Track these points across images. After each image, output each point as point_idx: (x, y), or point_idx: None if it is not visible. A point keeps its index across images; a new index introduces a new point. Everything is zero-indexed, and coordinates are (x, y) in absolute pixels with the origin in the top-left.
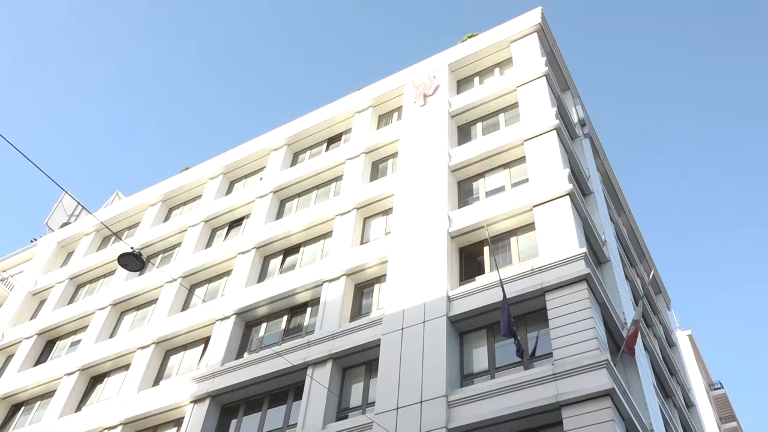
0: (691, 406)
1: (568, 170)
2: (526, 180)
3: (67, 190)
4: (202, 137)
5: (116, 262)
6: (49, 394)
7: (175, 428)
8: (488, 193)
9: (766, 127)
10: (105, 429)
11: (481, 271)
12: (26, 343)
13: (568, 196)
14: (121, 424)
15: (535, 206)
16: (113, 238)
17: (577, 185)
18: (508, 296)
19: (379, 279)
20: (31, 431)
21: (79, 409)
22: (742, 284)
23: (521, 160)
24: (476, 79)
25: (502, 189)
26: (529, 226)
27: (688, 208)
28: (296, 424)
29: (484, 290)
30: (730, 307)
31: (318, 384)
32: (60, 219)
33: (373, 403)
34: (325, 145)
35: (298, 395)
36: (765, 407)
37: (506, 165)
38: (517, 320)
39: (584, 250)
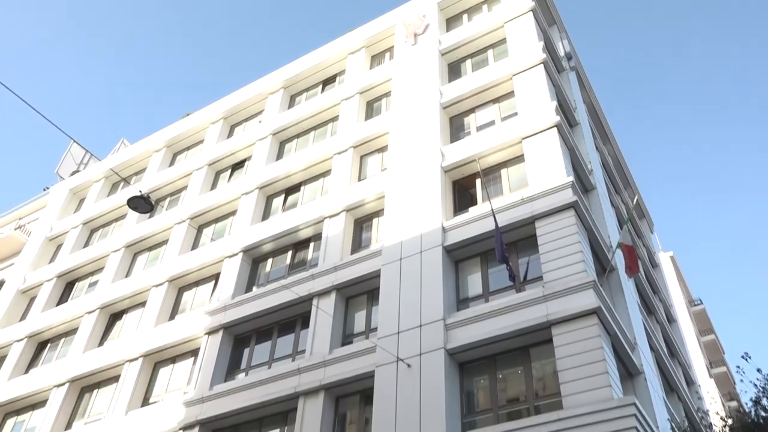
0: (673, 321)
1: (555, 103)
2: (515, 114)
3: (75, 138)
4: (202, 83)
5: (126, 206)
6: (72, 332)
7: (192, 358)
8: (479, 128)
9: (746, 46)
10: (127, 361)
11: (473, 203)
12: (47, 286)
13: (555, 128)
14: (141, 356)
15: (524, 138)
16: (122, 183)
17: (564, 117)
18: (500, 225)
19: (377, 213)
20: (58, 366)
21: (101, 344)
22: (719, 206)
23: (510, 94)
24: (465, 17)
25: (492, 123)
26: (519, 158)
27: (671, 137)
28: (304, 350)
29: (477, 220)
30: (709, 229)
31: (323, 313)
32: (70, 168)
33: (375, 329)
34: (321, 86)
35: (305, 324)
36: (740, 319)
37: (496, 100)
38: (509, 247)
39: (571, 178)
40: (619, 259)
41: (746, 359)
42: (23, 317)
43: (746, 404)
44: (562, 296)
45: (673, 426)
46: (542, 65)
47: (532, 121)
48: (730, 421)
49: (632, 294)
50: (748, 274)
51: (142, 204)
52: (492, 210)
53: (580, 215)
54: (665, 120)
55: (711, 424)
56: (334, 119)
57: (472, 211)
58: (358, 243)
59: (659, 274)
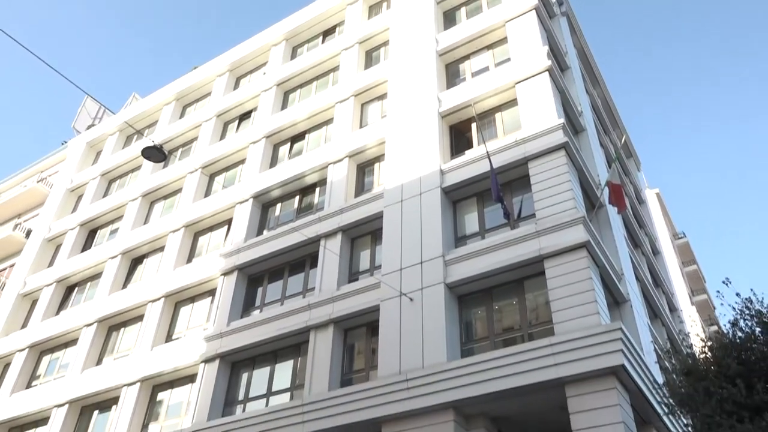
0: (657, 254)
1: (546, 48)
2: (508, 59)
3: (90, 93)
4: (208, 35)
5: (141, 157)
6: (97, 276)
7: (210, 297)
8: (474, 74)
9: None
10: (149, 301)
11: (469, 146)
12: (71, 234)
13: (546, 72)
14: (163, 296)
15: (517, 83)
16: (136, 136)
17: (555, 61)
18: (494, 166)
19: (379, 158)
20: (86, 307)
21: (125, 286)
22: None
23: (503, 41)
24: None
25: (486, 69)
26: (512, 102)
27: (659, 76)
28: (314, 288)
29: (473, 162)
30: (694, 166)
31: (330, 253)
32: (85, 122)
33: (379, 266)
34: (321, 37)
35: (314, 264)
36: (720, 250)
37: (490, 46)
38: (504, 187)
39: (562, 120)
40: (607, 197)
41: (726, 284)
42: (51, 264)
43: (724, 326)
44: (553, 232)
45: (656, 348)
46: (534, 11)
47: (525, 66)
48: (709, 343)
49: (619, 229)
50: (729, 207)
51: (156, 154)
52: (487, 152)
53: (570, 155)
54: (654, 62)
55: (691, 344)
56: (335, 69)
57: (468, 154)
58: (361, 187)
59: (645, 209)
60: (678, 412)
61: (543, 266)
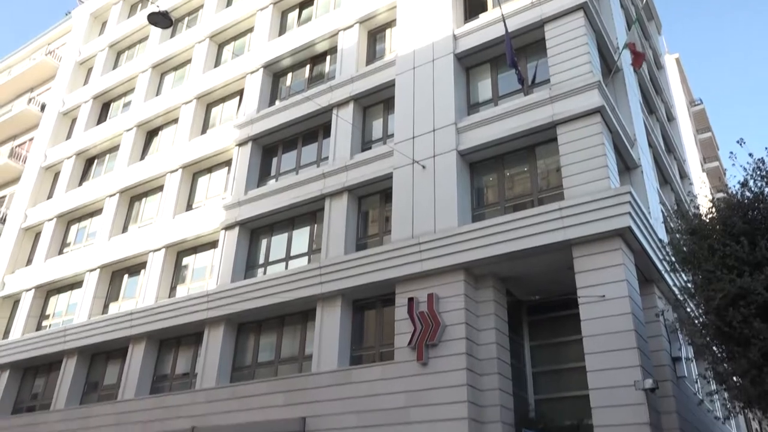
0: (672, 120)
1: None
2: None
3: None
4: None
5: (148, 26)
6: (114, 149)
7: (226, 168)
8: None
9: None
10: (168, 172)
11: (484, 9)
12: (85, 107)
13: None
14: (180, 167)
15: None
16: (140, 4)
17: None
18: (509, 30)
19: (390, 24)
20: (107, 179)
21: (143, 158)
22: (726, 7)
23: None
24: None
25: None
26: None
27: None
28: (328, 157)
29: (487, 26)
30: (716, 31)
31: (343, 122)
32: None
33: (392, 135)
34: None
35: (327, 133)
36: (736, 119)
37: None
38: (518, 52)
39: None
40: (625, 60)
41: (741, 144)
42: (68, 137)
43: (733, 187)
44: (567, 97)
45: (663, 210)
46: None
47: None
48: (717, 202)
49: (635, 94)
50: (750, 75)
51: (162, 20)
52: (502, 15)
53: (588, 17)
54: None
55: (699, 206)
56: None
57: (483, 18)
58: (372, 54)
59: (663, 75)
60: (680, 269)
61: (555, 132)
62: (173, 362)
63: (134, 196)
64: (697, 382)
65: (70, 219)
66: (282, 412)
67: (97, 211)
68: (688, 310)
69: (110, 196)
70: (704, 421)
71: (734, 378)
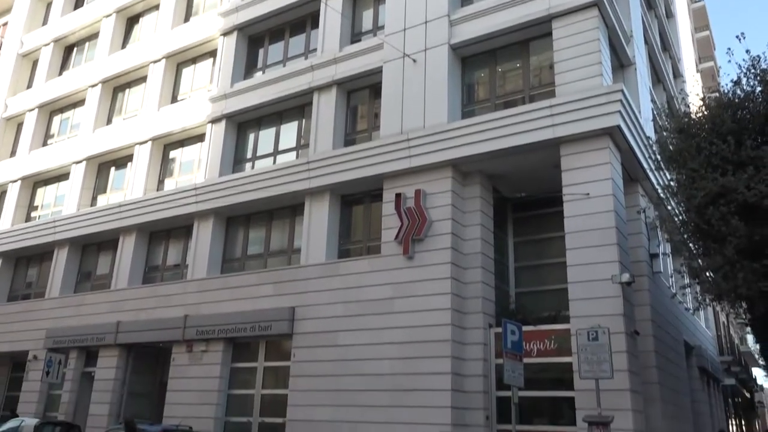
0: (671, 17)
1: None
2: None
3: None
4: None
5: None
6: (94, 36)
7: (211, 59)
8: None
9: None
10: (151, 62)
11: None
12: None
13: None
14: (164, 57)
15: None
16: None
17: None
18: None
19: None
20: (88, 68)
21: (124, 47)
22: None
23: None
24: None
25: None
26: None
27: None
28: (316, 49)
29: None
30: None
31: (332, 11)
32: None
33: (382, 27)
34: None
35: (315, 24)
36: (736, 18)
37: None
38: None
39: None
40: None
41: (740, 39)
42: (45, 22)
43: (726, 86)
44: None
45: (653, 109)
46: None
47: None
48: (708, 101)
49: None
50: None
51: None
52: None
53: None
54: None
55: (689, 104)
56: None
57: None
58: None
59: None
60: (665, 168)
61: (551, 27)
62: (164, 254)
63: (117, 87)
64: (672, 277)
65: (52, 110)
66: (271, 302)
67: (80, 102)
68: (669, 208)
69: (92, 86)
70: (675, 314)
71: (707, 273)
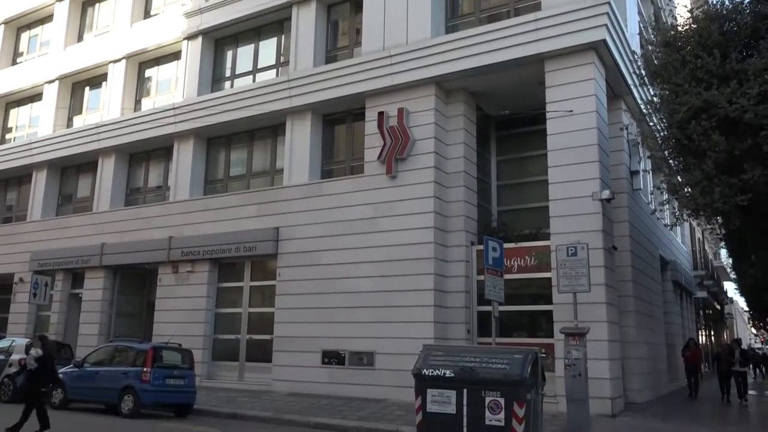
0: None
1: None
2: None
3: None
4: None
5: None
6: None
7: None
8: None
9: None
10: None
11: None
12: None
13: None
14: None
15: None
16: None
17: None
18: None
19: None
20: None
21: None
22: None
23: None
24: None
25: None
26: None
27: None
28: None
29: None
30: None
31: None
32: None
33: None
34: None
35: None
36: None
37: None
38: None
39: None
40: None
41: None
42: None
43: None
44: None
45: (640, 23)
46: None
47: None
48: (695, 12)
49: None
50: None
51: None
52: None
53: None
54: None
55: (677, 16)
56: None
57: None
58: None
59: None
60: (649, 83)
61: None
62: (145, 176)
63: (86, 1)
64: (652, 194)
65: (19, 26)
66: (255, 223)
67: (48, 18)
68: (651, 124)
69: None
70: (653, 230)
71: (686, 189)
